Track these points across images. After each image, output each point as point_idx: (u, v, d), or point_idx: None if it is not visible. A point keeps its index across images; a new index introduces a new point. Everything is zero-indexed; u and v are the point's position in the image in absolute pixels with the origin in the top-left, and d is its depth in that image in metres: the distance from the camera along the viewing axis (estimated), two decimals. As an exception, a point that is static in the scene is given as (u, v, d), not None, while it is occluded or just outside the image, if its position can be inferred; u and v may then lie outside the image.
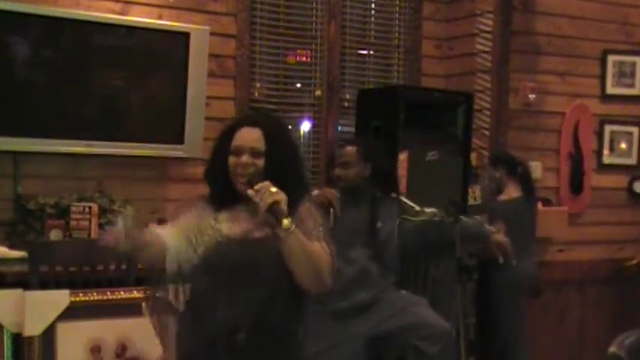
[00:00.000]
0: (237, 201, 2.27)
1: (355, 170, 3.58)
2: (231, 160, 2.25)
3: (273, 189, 2.13)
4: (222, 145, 2.31)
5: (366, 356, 3.48)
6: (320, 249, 2.20)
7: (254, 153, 2.24)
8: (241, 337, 2.14)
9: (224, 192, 2.29)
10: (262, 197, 2.12)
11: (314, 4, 5.00)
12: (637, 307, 5.26)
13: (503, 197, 4.67)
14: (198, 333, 2.22)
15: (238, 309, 2.16)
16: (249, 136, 2.27)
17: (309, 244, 2.17)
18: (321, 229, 2.25)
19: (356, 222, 3.52)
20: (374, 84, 5.17)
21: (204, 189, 4.53)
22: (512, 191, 4.65)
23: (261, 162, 2.24)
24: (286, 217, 2.12)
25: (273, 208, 2.12)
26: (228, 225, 2.25)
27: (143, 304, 2.99)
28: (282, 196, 2.13)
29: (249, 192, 2.15)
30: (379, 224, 3.54)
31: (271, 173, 2.21)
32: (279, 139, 2.30)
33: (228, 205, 2.28)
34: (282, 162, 2.26)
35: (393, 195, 3.66)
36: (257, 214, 2.17)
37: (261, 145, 2.25)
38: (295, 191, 2.22)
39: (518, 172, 4.65)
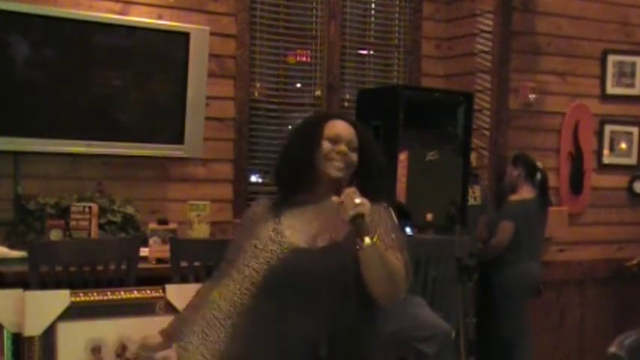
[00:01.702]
0: (311, 194, 2.21)
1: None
2: (327, 145, 2.19)
3: (358, 200, 2.05)
4: (311, 134, 2.22)
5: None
6: (395, 259, 2.12)
7: (351, 146, 2.20)
8: (323, 353, 2.07)
9: (302, 183, 2.22)
10: (346, 207, 2.05)
11: (314, 4, 5.00)
12: (637, 307, 5.26)
13: (514, 197, 4.69)
14: (269, 351, 2.12)
15: (316, 323, 2.07)
16: (348, 130, 2.23)
17: (386, 256, 2.09)
18: (393, 236, 2.19)
19: None
20: (374, 84, 5.17)
21: (203, 189, 4.57)
22: (524, 193, 4.66)
23: (355, 157, 2.21)
24: (368, 233, 2.04)
25: (356, 221, 2.04)
26: (291, 233, 2.18)
27: (147, 304, 3.00)
28: (366, 208, 2.05)
29: (334, 199, 2.09)
30: None
31: (361, 174, 2.20)
32: (372, 144, 2.28)
33: (293, 206, 2.22)
34: (373, 167, 2.23)
35: (384, 204, 3.60)
36: (325, 215, 2.15)
37: (356, 142, 2.22)
38: (376, 200, 2.18)
39: (537, 179, 4.69)
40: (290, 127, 2.38)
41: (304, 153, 2.20)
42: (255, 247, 2.17)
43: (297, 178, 2.23)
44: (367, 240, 2.03)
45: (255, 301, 2.15)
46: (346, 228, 2.11)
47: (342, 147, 2.19)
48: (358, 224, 2.04)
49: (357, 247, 2.05)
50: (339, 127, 2.23)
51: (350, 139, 2.21)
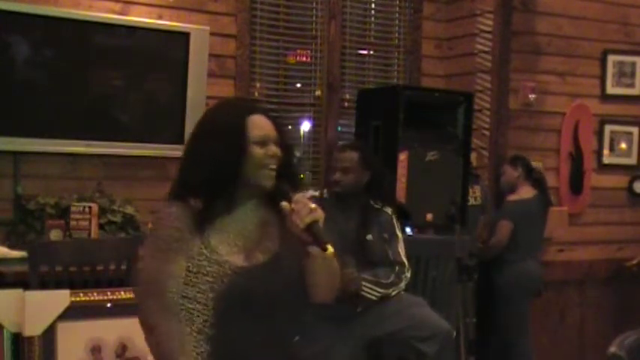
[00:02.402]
0: (235, 202, 1.95)
1: (354, 176, 3.54)
2: (258, 151, 1.92)
3: (312, 205, 1.89)
4: (234, 138, 1.92)
5: (365, 357, 3.48)
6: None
7: (277, 142, 1.96)
8: None
9: (232, 194, 1.93)
10: (300, 215, 1.87)
11: (314, 4, 5.00)
12: (637, 307, 5.26)
13: (513, 197, 4.69)
14: None
15: (273, 344, 1.92)
16: (269, 124, 1.97)
17: (332, 258, 1.95)
18: None
19: (346, 229, 3.46)
20: (374, 84, 5.17)
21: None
22: (523, 193, 4.68)
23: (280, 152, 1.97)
24: (327, 241, 1.88)
25: (313, 228, 1.88)
26: (225, 250, 1.90)
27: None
28: (320, 214, 1.89)
29: (285, 205, 1.89)
30: (369, 236, 3.49)
31: (284, 167, 1.98)
32: (285, 129, 2.11)
33: (216, 216, 1.92)
34: (291, 153, 2.06)
35: (389, 210, 3.60)
36: (254, 225, 1.96)
37: (277, 135, 1.98)
38: (296, 187, 2.00)
39: (535, 179, 4.71)
40: (199, 124, 2.01)
41: (229, 163, 1.91)
42: (189, 270, 1.86)
43: (220, 190, 1.92)
44: (330, 247, 1.88)
45: (218, 336, 1.87)
46: (276, 237, 1.96)
47: (274, 149, 1.94)
48: (316, 231, 1.88)
49: (312, 253, 1.90)
50: (263, 125, 1.95)
51: (275, 134, 1.96)
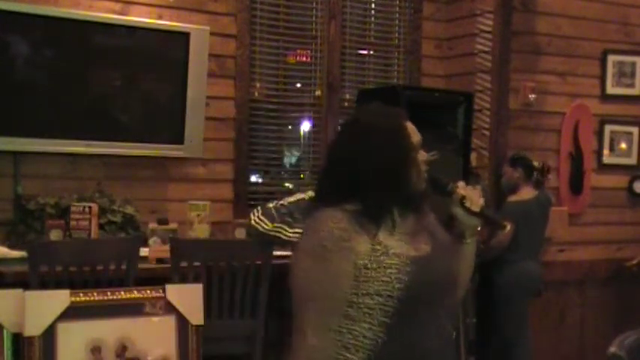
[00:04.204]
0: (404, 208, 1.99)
1: None
2: (422, 156, 2.03)
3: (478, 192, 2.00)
4: (402, 145, 1.99)
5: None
6: None
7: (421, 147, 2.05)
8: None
9: (401, 197, 1.98)
10: (473, 200, 2.00)
11: (314, 4, 5.00)
12: (637, 307, 5.26)
13: (513, 198, 4.69)
14: None
15: (442, 336, 1.96)
16: (416, 130, 2.05)
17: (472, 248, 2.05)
18: None
19: None
20: (374, 84, 5.17)
21: (203, 189, 4.56)
22: (524, 193, 4.67)
23: None
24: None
25: (486, 210, 1.98)
26: (394, 243, 1.89)
27: (147, 304, 2.99)
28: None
29: (460, 190, 2.02)
30: None
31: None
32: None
33: (383, 217, 1.93)
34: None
35: None
36: (412, 222, 1.98)
37: None
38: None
39: (535, 179, 4.70)
40: (360, 131, 1.99)
41: (402, 169, 1.98)
42: (366, 267, 1.84)
43: (394, 193, 1.96)
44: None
45: (399, 325, 1.86)
46: (426, 232, 2.00)
47: (425, 154, 2.04)
48: (489, 212, 1.98)
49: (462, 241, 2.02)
50: (415, 131, 2.03)
51: (420, 139, 2.06)
